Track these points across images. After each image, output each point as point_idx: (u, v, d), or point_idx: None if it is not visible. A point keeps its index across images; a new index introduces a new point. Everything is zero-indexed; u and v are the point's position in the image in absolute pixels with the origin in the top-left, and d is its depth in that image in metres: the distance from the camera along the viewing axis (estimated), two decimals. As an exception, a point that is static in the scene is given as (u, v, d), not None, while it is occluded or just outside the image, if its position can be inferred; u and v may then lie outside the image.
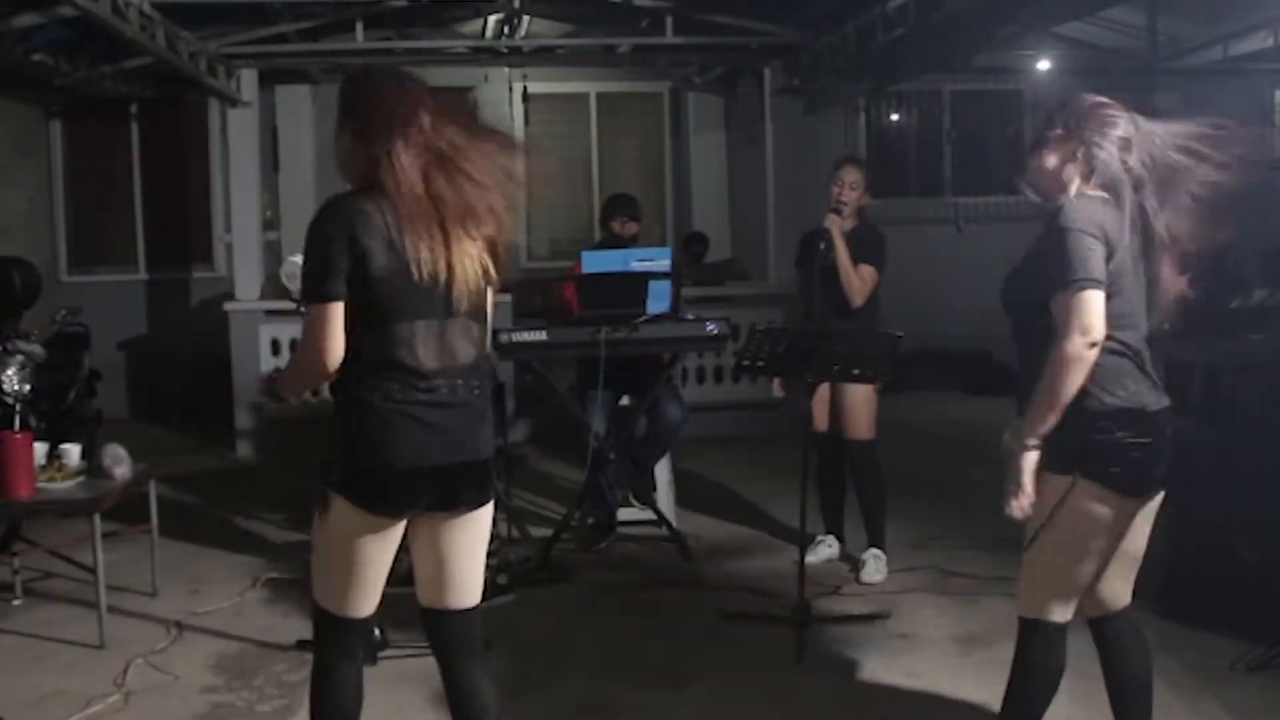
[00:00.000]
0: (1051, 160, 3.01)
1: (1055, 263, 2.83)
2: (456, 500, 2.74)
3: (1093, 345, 2.79)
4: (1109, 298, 2.83)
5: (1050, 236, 2.87)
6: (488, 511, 2.85)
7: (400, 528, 2.74)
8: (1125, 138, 2.95)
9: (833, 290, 5.16)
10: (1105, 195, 2.92)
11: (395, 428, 2.61)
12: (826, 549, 5.50)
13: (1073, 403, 2.84)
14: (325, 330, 2.59)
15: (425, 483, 2.67)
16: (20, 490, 4.43)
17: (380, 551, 2.74)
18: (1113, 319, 2.85)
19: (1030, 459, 2.92)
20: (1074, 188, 2.96)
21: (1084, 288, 2.79)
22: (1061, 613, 3.03)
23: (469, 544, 2.83)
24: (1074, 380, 2.82)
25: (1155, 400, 2.95)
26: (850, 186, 5.22)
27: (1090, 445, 2.87)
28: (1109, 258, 2.85)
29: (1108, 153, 2.92)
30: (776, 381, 5.25)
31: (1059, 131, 3.03)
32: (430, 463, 2.65)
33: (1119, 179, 2.91)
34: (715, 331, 5.54)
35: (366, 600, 2.79)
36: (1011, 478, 2.96)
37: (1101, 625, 3.14)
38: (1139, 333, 2.99)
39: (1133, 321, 2.95)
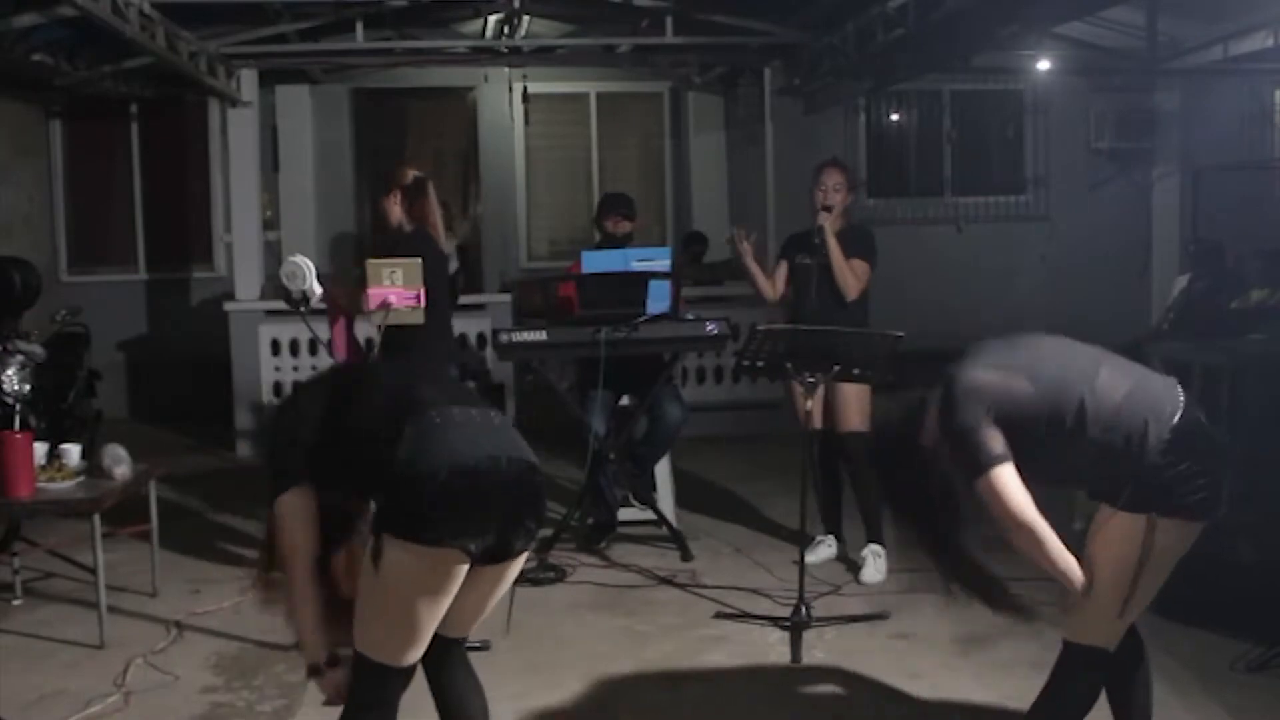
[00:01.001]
0: None
1: None
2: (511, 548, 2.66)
3: None
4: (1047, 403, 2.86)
5: None
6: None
7: (462, 570, 2.58)
8: None
9: (825, 286, 5.20)
10: None
11: None
12: (826, 549, 5.50)
13: (1127, 450, 2.83)
14: None
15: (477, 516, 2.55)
16: (20, 490, 4.43)
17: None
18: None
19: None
20: None
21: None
22: (1118, 640, 3.03)
23: (507, 583, 2.79)
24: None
25: (1172, 399, 2.92)
26: (834, 189, 5.28)
27: (1159, 484, 2.84)
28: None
29: None
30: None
31: None
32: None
33: None
34: (715, 331, 5.55)
35: (421, 648, 2.66)
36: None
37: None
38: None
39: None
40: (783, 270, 5.52)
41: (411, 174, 5.07)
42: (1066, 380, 2.91)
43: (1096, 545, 2.95)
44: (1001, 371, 2.92)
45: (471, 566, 2.58)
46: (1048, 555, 2.91)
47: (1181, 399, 2.92)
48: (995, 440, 2.85)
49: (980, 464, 2.86)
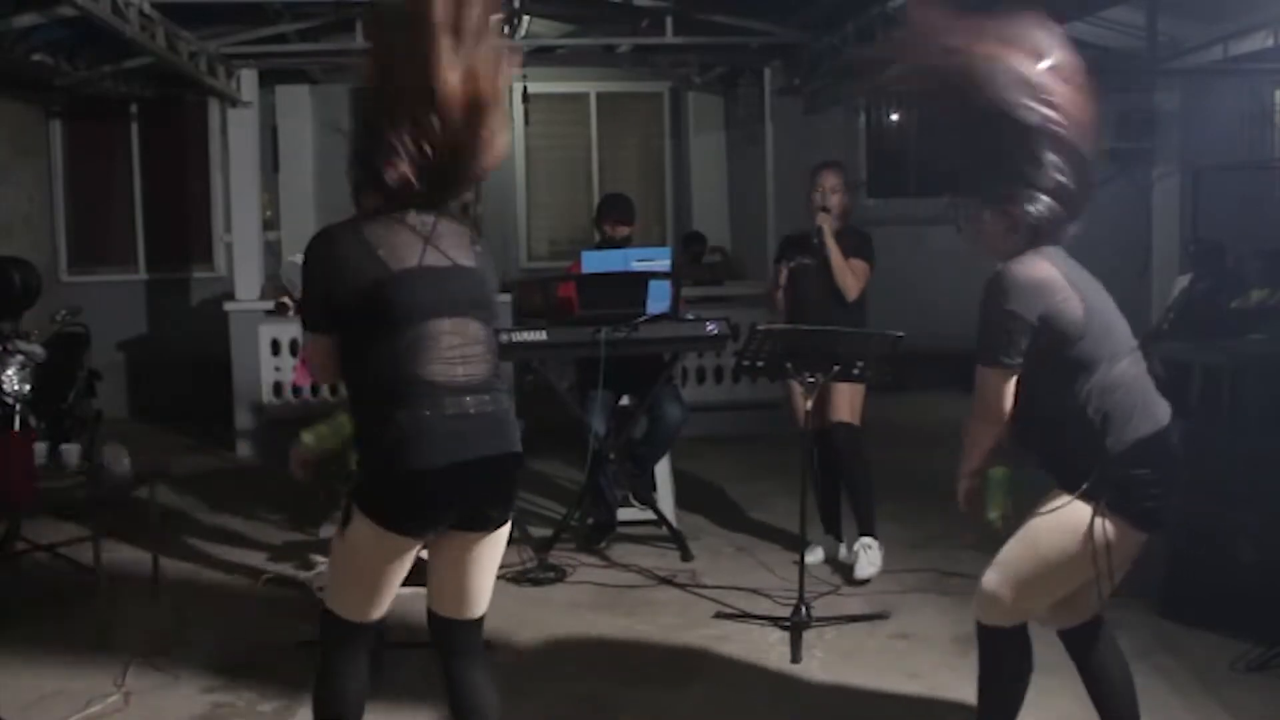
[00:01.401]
0: None
1: None
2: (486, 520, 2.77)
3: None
4: (1080, 339, 2.86)
5: None
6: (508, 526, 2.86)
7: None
8: None
9: (825, 287, 5.20)
10: None
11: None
12: (825, 550, 5.50)
13: (1091, 441, 2.85)
14: None
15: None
16: (20, 490, 4.43)
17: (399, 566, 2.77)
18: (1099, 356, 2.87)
19: None
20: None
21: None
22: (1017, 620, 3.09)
23: (491, 559, 2.85)
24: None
25: (1164, 410, 2.96)
26: (831, 190, 5.27)
27: (1114, 482, 2.86)
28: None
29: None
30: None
31: None
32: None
33: None
34: (715, 331, 5.55)
35: (379, 609, 2.82)
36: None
37: (1077, 634, 3.17)
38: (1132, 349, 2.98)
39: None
40: (783, 275, 5.45)
41: None
42: (1110, 331, 2.91)
43: (1041, 529, 2.96)
44: (1070, 286, 2.89)
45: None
46: (975, 452, 3.06)
47: (1170, 413, 2.95)
48: (1022, 345, 2.88)
49: (998, 356, 2.91)
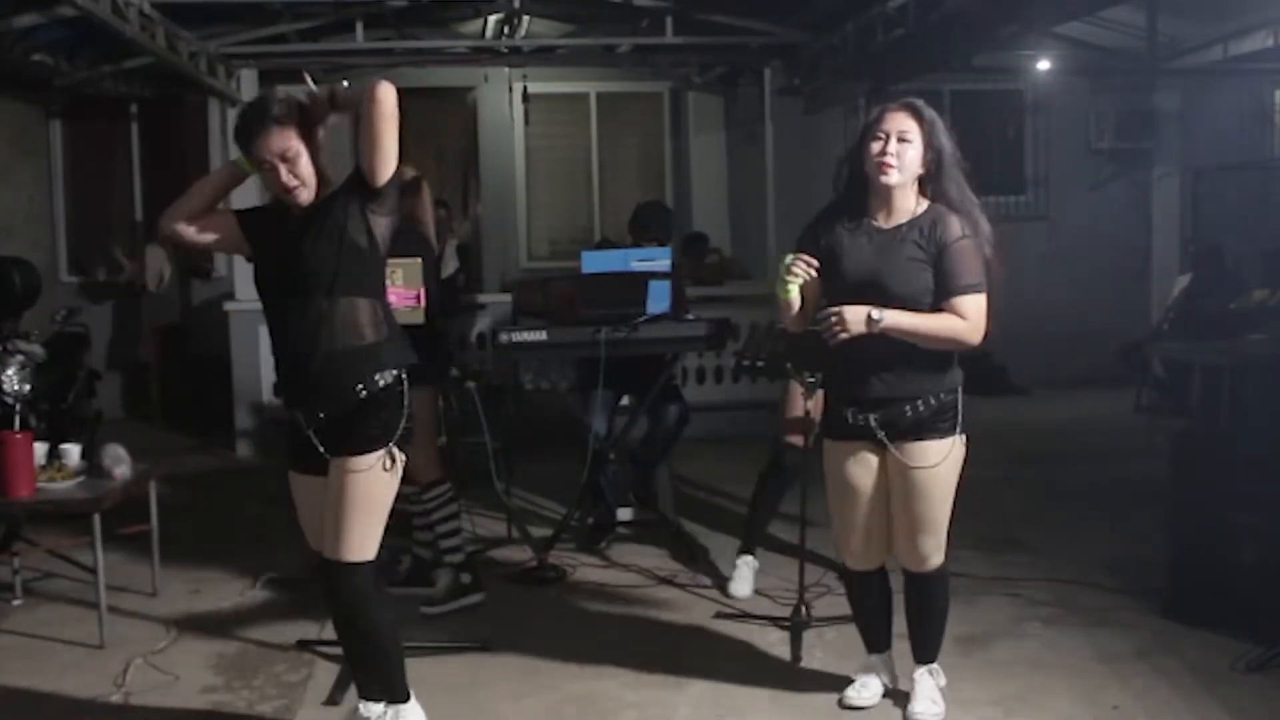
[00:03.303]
0: None
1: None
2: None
3: None
4: None
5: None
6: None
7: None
8: None
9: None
10: None
11: None
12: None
13: (950, 375, 3.46)
14: None
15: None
16: (20, 490, 4.43)
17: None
18: None
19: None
20: None
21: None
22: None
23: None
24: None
25: None
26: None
27: (965, 410, 3.48)
28: None
29: None
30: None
31: None
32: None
33: None
34: (700, 334, 5.47)
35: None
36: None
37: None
38: None
39: None
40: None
41: (409, 173, 5.05)
42: None
43: (943, 479, 3.49)
44: None
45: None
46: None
47: None
48: None
49: (984, 281, 3.42)
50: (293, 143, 3.11)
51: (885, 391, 3.43)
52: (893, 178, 3.37)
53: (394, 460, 3.26)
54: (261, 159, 3.15)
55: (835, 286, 3.47)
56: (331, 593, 3.32)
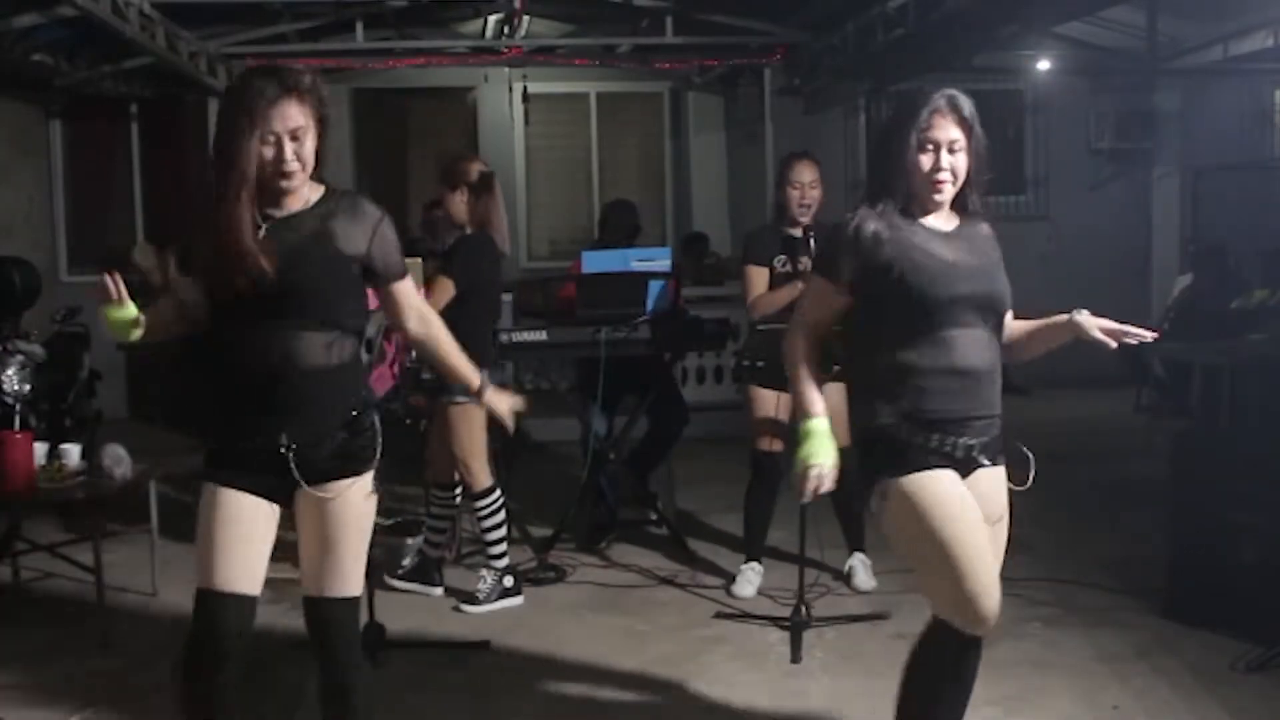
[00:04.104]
0: None
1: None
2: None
3: None
4: None
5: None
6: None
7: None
8: None
9: None
10: None
11: None
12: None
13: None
14: None
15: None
16: (20, 490, 4.43)
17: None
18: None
19: None
20: None
21: None
22: None
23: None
24: None
25: None
26: (810, 187, 4.85)
27: None
28: None
29: None
30: None
31: None
32: None
33: None
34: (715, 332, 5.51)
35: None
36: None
37: None
38: None
39: None
40: (763, 277, 4.99)
41: (477, 169, 4.86)
42: None
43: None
44: None
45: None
46: None
47: None
48: None
49: None
50: (306, 120, 2.75)
51: (987, 411, 2.96)
52: (946, 195, 3.09)
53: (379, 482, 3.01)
54: (269, 130, 2.69)
55: (935, 304, 2.94)
56: (325, 631, 3.01)
